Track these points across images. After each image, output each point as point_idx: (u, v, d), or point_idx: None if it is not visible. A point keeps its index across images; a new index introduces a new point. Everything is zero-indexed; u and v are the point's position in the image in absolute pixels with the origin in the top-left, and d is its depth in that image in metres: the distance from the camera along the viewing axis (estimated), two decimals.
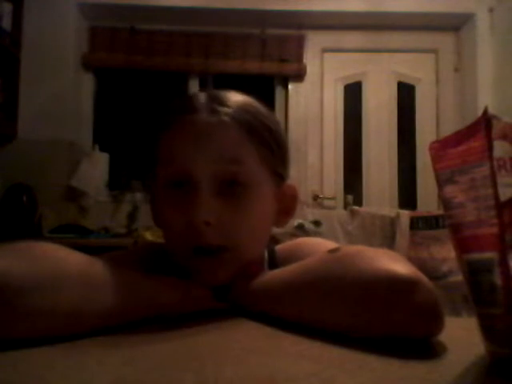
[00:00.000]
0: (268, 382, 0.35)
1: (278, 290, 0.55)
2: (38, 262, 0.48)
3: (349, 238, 2.28)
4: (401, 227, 2.15)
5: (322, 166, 3.11)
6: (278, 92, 3.22)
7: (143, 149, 0.61)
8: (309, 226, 2.46)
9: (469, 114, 2.96)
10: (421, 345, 0.43)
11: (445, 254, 1.97)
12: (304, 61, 3.14)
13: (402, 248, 2.07)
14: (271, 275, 0.58)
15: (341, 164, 3.13)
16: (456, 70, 3.17)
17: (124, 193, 2.90)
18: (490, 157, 0.35)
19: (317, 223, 2.52)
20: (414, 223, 2.13)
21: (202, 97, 0.63)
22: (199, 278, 0.59)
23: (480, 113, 0.36)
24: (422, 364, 0.39)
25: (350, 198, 3.06)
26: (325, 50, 3.16)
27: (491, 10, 2.96)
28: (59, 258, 0.50)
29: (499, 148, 0.35)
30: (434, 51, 3.19)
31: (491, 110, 0.36)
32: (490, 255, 0.35)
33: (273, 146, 0.64)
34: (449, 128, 2.91)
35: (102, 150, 2.97)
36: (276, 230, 0.73)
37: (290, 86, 3.18)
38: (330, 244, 0.71)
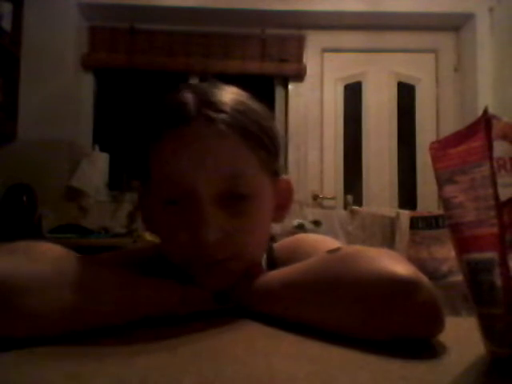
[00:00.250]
0: (268, 382, 0.35)
1: (278, 291, 0.55)
2: (38, 262, 0.48)
3: (349, 238, 2.28)
4: (401, 227, 2.15)
5: (322, 166, 3.11)
6: (278, 92, 3.22)
7: (133, 151, 0.57)
8: (309, 225, 2.46)
9: (469, 114, 2.96)
10: (421, 345, 0.43)
11: (445, 253, 1.97)
12: (304, 61, 3.14)
13: (402, 248, 2.07)
14: (272, 276, 0.58)
15: (341, 164, 3.13)
16: (456, 70, 3.17)
17: (124, 193, 2.90)
18: (490, 157, 0.35)
19: (317, 223, 2.52)
20: (414, 223, 2.13)
21: (192, 100, 0.58)
22: (203, 283, 0.58)
23: (480, 113, 0.36)
24: (422, 364, 0.39)
25: (349, 198, 3.06)
26: (325, 50, 3.16)
27: (491, 10, 2.96)
28: (58, 258, 0.51)
29: (499, 148, 0.35)
30: (434, 51, 3.19)
31: (491, 110, 0.36)
32: (490, 255, 0.35)
33: (269, 146, 0.62)
34: (449, 128, 2.91)
35: (102, 149, 2.97)
36: (276, 231, 0.73)
37: (289, 86, 3.18)
38: (330, 241, 0.71)
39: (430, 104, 3.17)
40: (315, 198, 3.05)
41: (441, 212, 2.04)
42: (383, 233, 2.22)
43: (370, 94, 3.16)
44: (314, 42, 3.15)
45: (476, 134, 0.36)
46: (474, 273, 0.36)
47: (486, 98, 2.86)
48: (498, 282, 0.35)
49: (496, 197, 0.35)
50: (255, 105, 0.63)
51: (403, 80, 3.18)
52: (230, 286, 0.59)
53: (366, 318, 0.45)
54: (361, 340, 0.43)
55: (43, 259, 0.49)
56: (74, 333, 0.46)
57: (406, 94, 3.18)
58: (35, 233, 2.52)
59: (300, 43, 3.13)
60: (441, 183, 0.39)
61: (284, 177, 0.67)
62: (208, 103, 0.58)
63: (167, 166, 0.57)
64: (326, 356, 0.41)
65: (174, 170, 0.56)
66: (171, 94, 0.62)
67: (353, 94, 3.17)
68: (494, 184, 0.35)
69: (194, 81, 3.16)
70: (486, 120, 0.35)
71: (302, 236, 0.77)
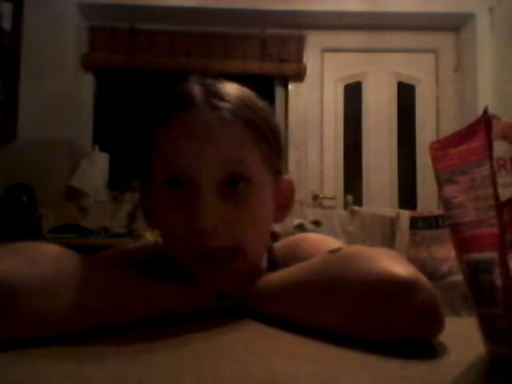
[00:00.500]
0: (268, 381, 0.35)
1: (279, 292, 0.55)
2: (39, 262, 0.48)
3: (349, 238, 2.28)
4: (401, 227, 2.15)
5: (322, 166, 3.11)
6: (278, 92, 3.22)
7: (136, 145, 0.58)
8: (309, 226, 2.46)
9: (469, 114, 2.96)
10: (421, 345, 0.43)
11: (445, 253, 1.97)
12: (304, 61, 3.14)
13: (402, 248, 2.07)
14: (273, 277, 0.58)
15: (341, 164, 3.13)
16: (456, 69, 3.17)
17: (124, 193, 2.90)
18: (490, 157, 0.35)
19: (317, 223, 2.52)
20: (414, 223, 2.13)
21: (198, 90, 0.59)
22: (205, 285, 0.57)
23: (480, 113, 0.36)
24: (422, 364, 0.39)
25: (349, 198, 3.06)
26: (325, 50, 3.16)
27: (491, 10, 2.96)
28: (59, 259, 0.50)
29: (499, 148, 0.35)
30: (434, 51, 3.19)
31: (491, 110, 0.36)
32: (490, 255, 0.35)
33: (272, 142, 0.62)
34: (449, 128, 2.90)
35: (102, 149, 2.97)
36: (277, 231, 0.73)
37: (289, 86, 3.18)
38: (330, 241, 0.71)
39: (430, 104, 3.17)
40: (315, 198, 3.05)
41: (441, 212, 2.04)
42: (383, 233, 2.22)
43: (370, 94, 3.16)
44: (314, 42, 3.15)
45: (476, 134, 0.36)
46: (474, 273, 0.36)
47: (485, 98, 2.86)
48: (498, 282, 0.35)
49: (496, 197, 0.35)
50: (259, 101, 0.64)
51: (403, 80, 3.18)
52: (233, 288, 0.58)
53: (365, 318, 0.45)
54: (361, 340, 0.43)
55: (44, 259, 0.49)
56: (74, 333, 0.46)
57: (406, 94, 3.18)
58: (35, 233, 2.52)
59: (300, 43, 3.13)
60: (441, 183, 0.39)
61: (286, 177, 0.67)
62: (214, 93, 0.59)
63: (170, 149, 0.57)
64: (326, 356, 0.41)
65: (176, 153, 0.56)
66: (179, 83, 0.62)
67: (353, 93, 3.17)
68: (494, 184, 0.35)
69: None
70: (486, 120, 0.35)
71: (302, 236, 0.76)
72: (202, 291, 0.57)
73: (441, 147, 0.39)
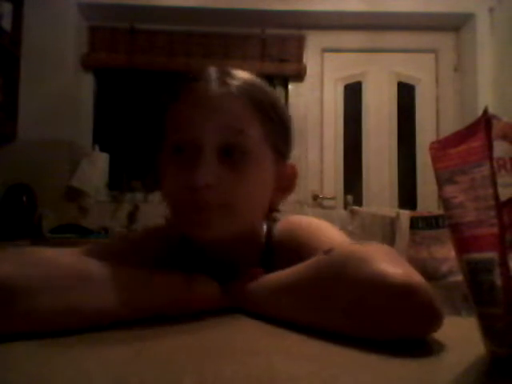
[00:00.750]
0: (268, 382, 0.35)
1: (275, 294, 0.55)
2: (39, 265, 0.50)
3: (349, 238, 2.28)
4: (401, 227, 2.15)
5: (322, 166, 3.11)
6: (278, 92, 3.21)
7: (152, 120, 0.68)
8: None
9: (469, 114, 2.96)
10: (421, 345, 0.43)
11: (445, 253, 1.97)
12: (304, 61, 3.14)
13: (402, 248, 2.07)
14: (268, 278, 0.59)
15: (341, 164, 3.13)
16: (456, 69, 3.17)
17: (124, 193, 2.90)
18: (490, 157, 0.35)
19: None
20: (414, 223, 2.12)
21: (212, 69, 0.66)
22: (194, 232, 0.62)
23: (480, 113, 0.36)
24: (422, 364, 0.39)
25: (349, 198, 3.06)
26: (325, 50, 3.16)
27: (491, 10, 2.96)
28: (55, 259, 0.52)
29: (499, 148, 0.35)
30: (434, 51, 3.19)
31: (491, 110, 0.36)
32: (489, 255, 0.35)
33: (276, 122, 0.66)
34: (449, 128, 2.90)
35: (102, 149, 2.97)
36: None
37: (289, 86, 3.18)
38: (325, 227, 0.70)
39: (430, 104, 3.17)
40: (315, 198, 3.05)
41: (441, 212, 2.04)
42: (383, 233, 2.22)
43: (369, 94, 3.16)
44: (314, 42, 3.15)
45: (476, 133, 0.36)
46: (474, 273, 0.36)
47: (485, 98, 2.85)
48: (498, 281, 0.35)
49: (496, 197, 0.35)
50: (269, 88, 0.70)
51: (403, 80, 3.18)
52: (217, 237, 0.62)
53: (362, 321, 0.45)
54: (361, 340, 0.43)
55: (42, 263, 0.50)
56: (74, 332, 0.46)
57: (406, 94, 3.18)
58: (35, 233, 2.52)
59: (300, 43, 3.13)
60: (441, 183, 0.39)
61: (291, 162, 0.71)
62: (225, 72, 0.66)
63: (178, 116, 0.63)
64: (326, 356, 0.41)
65: (183, 119, 0.62)
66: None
67: (353, 94, 3.17)
68: (494, 184, 0.35)
69: None
70: (486, 120, 0.35)
71: (299, 221, 0.73)
72: (206, 284, 0.58)
73: (441, 147, 0.39)
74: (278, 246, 0.70)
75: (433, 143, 0.40)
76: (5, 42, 2.62)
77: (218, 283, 0.59)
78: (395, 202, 3.07)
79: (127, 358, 0.41)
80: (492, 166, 0.35)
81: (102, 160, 2.95)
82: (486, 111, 0.36)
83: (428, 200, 3.02)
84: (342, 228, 2.36)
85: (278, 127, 0.67)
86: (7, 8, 2.65)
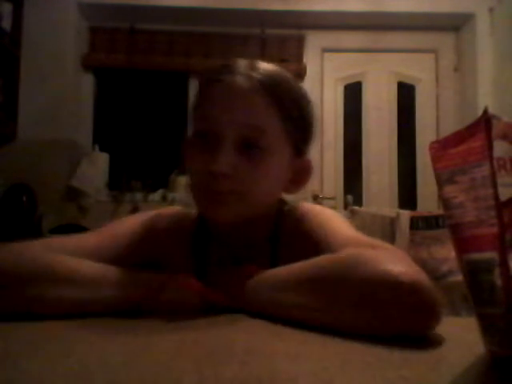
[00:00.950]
0: (268, 381, 0.35)
1: (279, 291, 0.55)
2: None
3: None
4: (401, 227, 2.15)
5: (322, 166, 3.11)
6: None
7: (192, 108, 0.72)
8: None
9: (469, 114, 2.96)
10: (420, 345, 0.43)
11: (445, 253, 1.97)
12: (304, 61, 3.14)
13: (402, 248, 2.07)
14: (270, 275, 0.59)
15: (341, 164, 3.13)
16: (456, 69, 3.17)
17: (124, 193, 2.90)
18: (490, 157, 0.35)
19: None
20: (414, 223, 2.12)
21: (240, 62, 0.69)
22: (208, 212, 0.68)
23: (480, 113, 0.36)
24: (422, 364, 0.39)
25: (349, 198, 3.06)
26: (325, 50, 3.16)
27: (491, 10, 2.96)
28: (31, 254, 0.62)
29: (499, 148, 0.35)
30: (434, 51, 3.19)
31: (491, 110, 0.36)
32: (489, 255, 0.35)
33: (297, 118, 0.69)
34: (449, 128, 2.90)
35: (101, 149, 2.97)
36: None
37: None
38: (335, 218, 0.72)
39: (430, 104, 3.17)
40: (315, 198, 3.05)
41: (441, 212, 2.04)
42: (383, 233, 2.22)
43: (369, 94, 3.16)
44: (314, 42, 3.15)
45: (476, 134, 0.36)
46: (474, 273, 0.36)
47: (485, 98, 2.85)
48: (498, 282, 0.35)
49: (496, 197, 0.35)
50: (296, 85, 0.72)
51: (403, 80, 3.18)
52: (228, 219, 0.67)
53: (372, 317, 0.47)
54: (361, 340, 0.43)
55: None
56: (74, 333, 0.46)
57: (406, 93, 3.18)
58: (35, 233, 2.52)
59: (300, 43, 3.13)
60: (441, 183, 0.39)
61: (308, 158, 0.74)
62: (253, 66, 0.68)
63: (206, 107, 0.68)
64: (326, 356, 0.41)
65: (210, 108, 0.67)
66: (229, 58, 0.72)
67: (353, 93, 3.17)
68: (494, 184, 0.35)
69: (193, 81, 3.16)
70: (486, 120, 0.35)
71: (311, 210, 0.75)
72: (185, 278, 0.60)
73: (441, 147, 0.39)
74: (286, 231, 0.73)
75: (433, 143, 0.40)
76: (5, 41, 2.62)
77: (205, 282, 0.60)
78: (395, 202, 3.07)
79: (127, 358, 0.41)
80: (492, 166, 0.35)
81: (102, 160, 2.95)
82: (486, 111, 0.36)
83: (428, 200, 3.02)
84: None
85: (298, 123, 0.70)
86: (7, 8, 2.65)
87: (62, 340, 0.45)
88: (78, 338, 0.46)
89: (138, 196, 2.89)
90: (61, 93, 2.83)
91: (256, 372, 0.37)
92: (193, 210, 0.78)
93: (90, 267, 0.62)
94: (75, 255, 0.65)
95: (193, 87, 3.16)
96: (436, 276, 1.91)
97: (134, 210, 2.79)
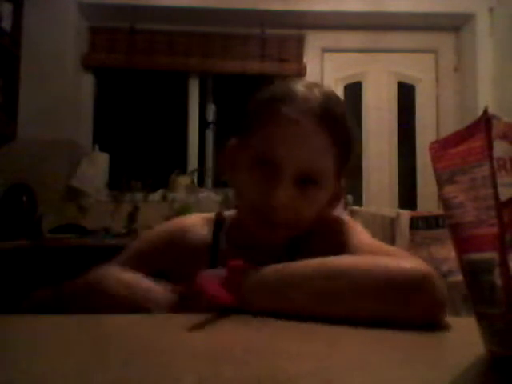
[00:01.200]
0: (268, 381, 0.35)
1: (285, 287, 0.58)
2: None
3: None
4: (401, 227, 2.15)
5: None
6: None
7: (242, 114, 0.78)
8: None
9: (469, 114, 2.96)
10: (421, 345, 0.43)
11: (445, 253, 1.97)
12: (304, 61, 3.14)
13: (402, 248, 2.07)
14: (270, 272, 0.60)
15: None
16: (456, 69, 3.17)
17: (124, 193, 2.90)
18: (490, 157, 0.35)
19: None
20: (414, 223, 2.12)
21: (307, 92, 0.72)
22: (258, 234, 0.72)
23: (480, 113, 0.36)
24: (422, 364, 0.39)
25: (350, 198, 3.05)
26: (325, 50, 3.16)
27: (491, 10, 2.96)
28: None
29: (499, 148, 0.35)
30: (434, 51, 3.19)
31: (491, 110, 0.36)
32: (489, 255, 0.35)
33: (346, 156, 0.75)
34: (449, 128, 2.90)
35: (101, 149, 2.97)
36: None
37: None
38: (359, 228, 0.77)
39: (430, 104, 3.17)
40: None
41: (441, 212, 2.04)
42: (383, 233, 2.22)
43: (369, 94, 3.16)
44: (314, 42, 3.15)
45: (476, 134, 0.36)
46: (474, 273, 0.36)
47: (485, 98, 2.85)
48: (498, 282, 0.35)
49: (496, 197, 0.35)
50: (351, 120, 0.77)
51: (403, 80, 3.18)
52: (277, 241, 0.73)
53: (391, 304, 0.52)
54: (361, 340, 0.43)
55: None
56: (74, 333, 0.46)
57: (406, 93, 3.18)
58: (35, 233, 2.52)
59: (300, 43, 3.13)
60: (441, 183, 0.39)
61: (342, 183, 0.80)
62: (313, 99, 0.71)
63: (269, 135, 0.71)
64: (326, 355, 0.41)
65: (274, 140, 0.70)
66: (287, 83, 0.76)
67: (353, 93, 3.17)
68: (494, 184, 0.35)
69: (193, 81, 3.16)
70: (486, 120, 0.35)
71: (335, 224, 0.80)
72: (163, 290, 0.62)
73: (441, 147, 0.39)
74: (307, 236, 0.77)
75: (433, 143, 0.40)
76: (5, 41, 2.62)
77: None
78: (395, 202, 3.07)
79: (127, 358, 0.41)
80: (492, 166, 0.35)
81: (102, 160, 2.95)
82: (486, 111, 0.36)
83: (428, 200, 3.02)
84: None
85: (346, 160, 0.75)
86: (7, 8, 2.65)
87: (62, 340, 0.45)
88: (78, 337, 0.46)
89: (138, 196, 2.89)
90: (61, 93, 2.83)
91: (256, 372, 0.37)
92: (211, 214, 0.84)
93: None
94: None
95: (193, 87, 3.16)
96: (442, 282, 1.90)
97: (134, 210, 2.79)
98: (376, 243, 0.72)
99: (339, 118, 0.73)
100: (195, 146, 3.16)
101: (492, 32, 2.96)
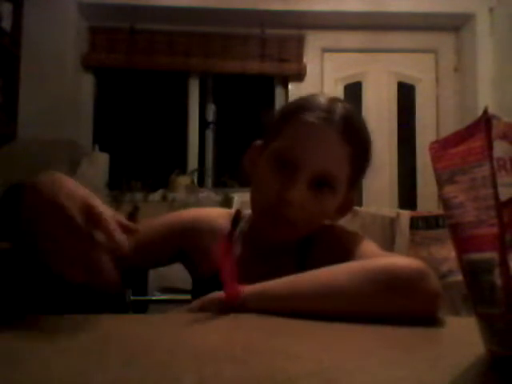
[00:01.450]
0: (268, 382, 0.35)
1: (292, 286, 0.60)
2: None
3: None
4: (401, 227, 2.15)
5: None
6: (278, 92, 3.21)
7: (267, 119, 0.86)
8: None
9: (469, 114, 2.96)
10: (420, 344, 0.43)
11: (445, 253, 1.97)
12: (304, 61, 3.14)
13: (402, 248, 2.07)
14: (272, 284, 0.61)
15: None
16: (456, 69, 3.17)
17: (124, 193, 2.90)
18: (490, 157, 0.35)
19: None
20: (414, 223, 2.12)
21: (333, 106, 0.77)
22: (264, 230, 0.76)
23: (480, 113, 0.36)
24: (422, 364, 0.39)
25: None
26: (325, 50, 3.16)
27: (491, 10, 2.96)
28: None
29: (499, 148, 0.35)
30: (434, 51, 3.19)
31: (491, 110, 0.36)
32: (489, 255, 0.35)
33: (362, 169, 0.81)
34: (449, 128, 2.90)
35: (101, 149, 2.97)
36: None
37: (289, 86, 3.17)
38: (367, 240, 0.79)
39: (430, 104, 3.17)
40: None
41: (441, 212, 2.04)
42: (383, 233, 2.21)
43: (369, 94, 3.16)
44: (314, 42, 3.15)
45: (476, 134, 0.36)
46: (474, 273, 0.36)
47: (485, 98, 2.85)
48: (498, 281, 0.35)
49: (496, 197, 0.35)
50: (368, 130, 0.82)
51: (403, 80, 3.18)
52: (282, 240, 0.77)
53: (392, 300, 0.54)
54: (361, 340, 0.43)
55: None
56: (74, 333, 0.46)
57: (406, 93, 3.18)
58: None
59: (300, 43, 3.13)
60: (441, 183, 0.39)
61: (352, 194, 0.83)
62: (346, 122, 0.76)
63: (294, 139, 0.75)
64: (326, 355, 0.41)
65: (297, 143, 0.74)
66: (323, 96, 0.82)
67: (353, 93, 3.17)
68: (494, 184, 0.35)
69: (193, 81, 3.16)
70: (486, 120, 0.35)
71: (342, 232, 0.84)
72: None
73: (441, 147, 0.39)
74: (318, 239, 0.81)
75: (433, 143, 0.40)
76: (5, 41, 2.62)
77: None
78: (395, 202, 3.07)
79: (127, 358, 0.41)
80: (492, 166, 0.35)
81: (102, 160, 2.95)
82: (486, 111, 0.36)
83: (428, 200, 3.02)
84: None
85: (362, 168, 0.81)
86: (7, 8, 2.65)
87: (61, 340, 0.45)
88: (78, 337, 0.46)
89: (138, 196, 2.89)
90: (61, 93, 2.83)
91: (256, 372, 0.37)
92: (229, 211, 0.89)
93: None
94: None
95: (193, 87, 3.16)
96: (436, 276, 1.90)
97: (134, 209, 2.78)
98: (381, 252, 0.75)
99: (360, 131, 0.79)
100: (195, 146, 3.16)
101: (492, 32, 2.96)
